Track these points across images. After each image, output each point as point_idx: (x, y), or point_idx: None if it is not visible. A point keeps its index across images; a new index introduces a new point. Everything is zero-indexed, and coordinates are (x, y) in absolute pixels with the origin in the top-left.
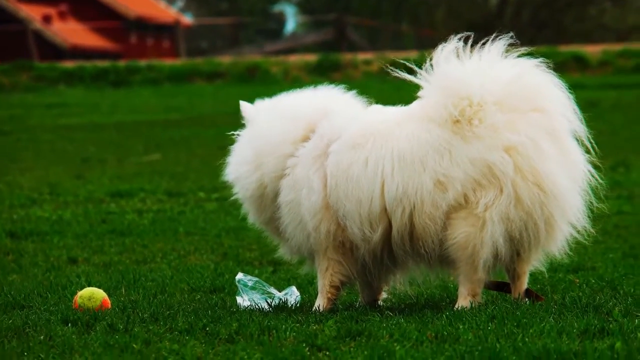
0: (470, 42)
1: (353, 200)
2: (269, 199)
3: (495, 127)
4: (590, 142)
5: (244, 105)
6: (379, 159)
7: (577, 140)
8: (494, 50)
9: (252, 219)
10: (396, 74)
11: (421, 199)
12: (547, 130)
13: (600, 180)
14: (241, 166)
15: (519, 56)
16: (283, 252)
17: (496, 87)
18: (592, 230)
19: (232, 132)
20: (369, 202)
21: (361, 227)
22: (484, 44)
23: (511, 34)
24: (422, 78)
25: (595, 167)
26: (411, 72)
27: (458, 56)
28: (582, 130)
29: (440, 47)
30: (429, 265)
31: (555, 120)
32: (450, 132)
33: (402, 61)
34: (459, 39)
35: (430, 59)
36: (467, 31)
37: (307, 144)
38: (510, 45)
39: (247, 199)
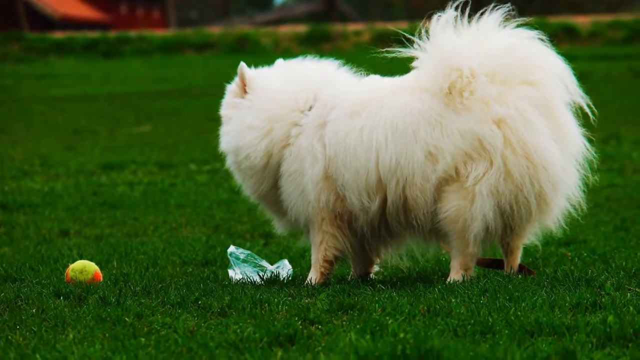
0: (467, 11)
1: (351, 170)
2: (272, 169)
3: (485, 99)
4: (592, 112)
5: (245, 69)
6: (373, 127)
7: (577, 110)
8: (491, 21)
9: (249, 191)
10: (393, 50)
11: (412, 171)
12: (538, 103)
13: (593, 154)
14: (246, 133)
15: (516, 27)
16: (276, 226)
17: (488, 58)
18: (584, 205)
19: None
20: (365, 172)
21: (359, 197)
22: (482, 14)
23: (507, 4)
24: (418, 48)
25: (589, 140)
26: (404, 43)
27: (455, 26)
28: (581, 100)
29: (436, 16)
30: (424, 238)
31: (547, 93)
32: (442, 104)
33: (402, 32)
34: (456, 8)
35: (426, 30)
36: (457, 1)
37: (310, 112)
38: (507, 15)
39: (249, 168)
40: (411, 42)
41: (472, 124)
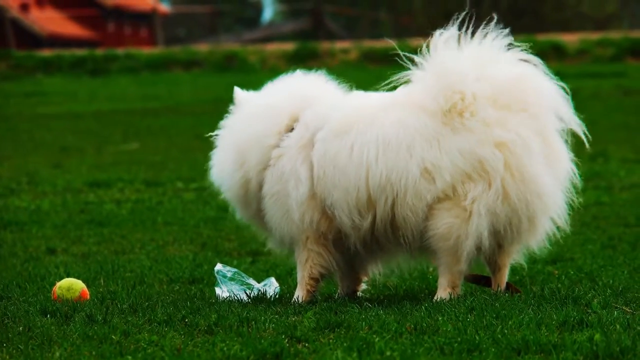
0: (463, 29)
1: (340, 189)
2: (253, 193)
3: (486, 121)
4: (587, 137)
5: (238, 94)
6: (364, 144)
7: (572, 135)
8: (494, 43)
9: (239, 214)
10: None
11: (405, 188)
12: (537, 130)
13: (578, 177)
14: (224, 166)
15: (508, 47)
16: (272, 245)
17: (490, 84)
18: (569, 225)
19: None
20: (355, 190)
21: (350, 215)
22: (473, 32)
23: (494, 20)
24: (416, 66)
25: (576, 164)
26: (394, 61)
27: (454, 46)
28: (579, 129)
29: (437, 34)
30: (411, 255)
31: (545, 121)
32: (439, 122)
33: (399, 51)
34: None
35: (427, 46)
36: (445, 19)
37: (292, 134)
38: (500, 34)
39: (233, 198)
40: (401, 59)
41: (472, 144)
